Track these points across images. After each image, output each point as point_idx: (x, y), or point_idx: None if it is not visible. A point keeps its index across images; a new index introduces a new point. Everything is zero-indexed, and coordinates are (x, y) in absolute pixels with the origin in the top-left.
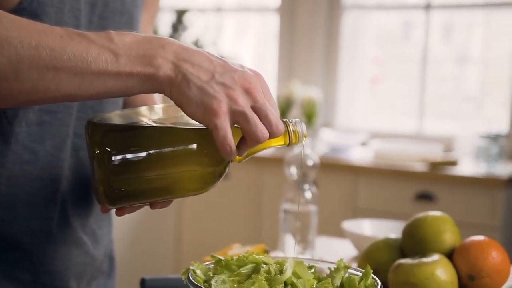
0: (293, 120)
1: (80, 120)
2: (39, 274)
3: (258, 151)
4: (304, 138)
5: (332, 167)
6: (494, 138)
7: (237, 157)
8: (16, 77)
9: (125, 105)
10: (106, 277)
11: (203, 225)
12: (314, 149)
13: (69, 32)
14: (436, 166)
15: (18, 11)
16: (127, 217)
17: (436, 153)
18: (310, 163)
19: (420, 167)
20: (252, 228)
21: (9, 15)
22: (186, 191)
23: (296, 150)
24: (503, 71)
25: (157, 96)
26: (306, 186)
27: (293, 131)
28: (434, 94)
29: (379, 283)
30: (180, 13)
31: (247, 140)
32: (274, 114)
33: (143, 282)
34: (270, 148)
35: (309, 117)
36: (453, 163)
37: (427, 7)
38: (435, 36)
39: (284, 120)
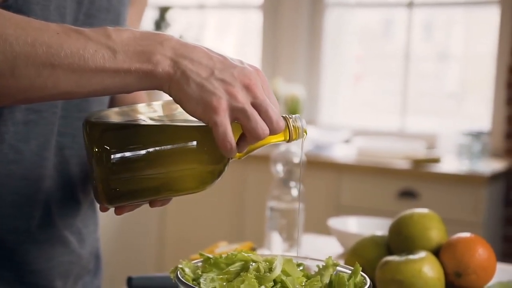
0: (293, 115)
1: (64, 119)
2: (24, 273)
3: (258, 147)
4: (305, 134)
5: (315, 165)
6: (476, 135)
7: (237, 154)
8: (13, 74)
9: (112, 103)
10: (92, 275)
11: (187, 222)
12: (298, 146)
13: (65, 28)
14: (419, 164)
15: (3, 8)
16: (110, 214)
17: (419, 151)
18: (296, 160)
19: (403, 164)
20: (235, 226)
21: (5, 12)
22: (185, 190)
23: (282, 147)
24: (483, 68)
25: (145, 94)
26: (292, 184)
27: (293, 126)
28: (416, 91)
29: (368, 280)
30: (163, 10)
31: (247, 137)
32: (274, 110)
33: (130, 281)
34: (270, 144)
35: (292, 114)
36: (436, 161)
37: (410, 4)
38: (417, 33)
39: (283, 115)
